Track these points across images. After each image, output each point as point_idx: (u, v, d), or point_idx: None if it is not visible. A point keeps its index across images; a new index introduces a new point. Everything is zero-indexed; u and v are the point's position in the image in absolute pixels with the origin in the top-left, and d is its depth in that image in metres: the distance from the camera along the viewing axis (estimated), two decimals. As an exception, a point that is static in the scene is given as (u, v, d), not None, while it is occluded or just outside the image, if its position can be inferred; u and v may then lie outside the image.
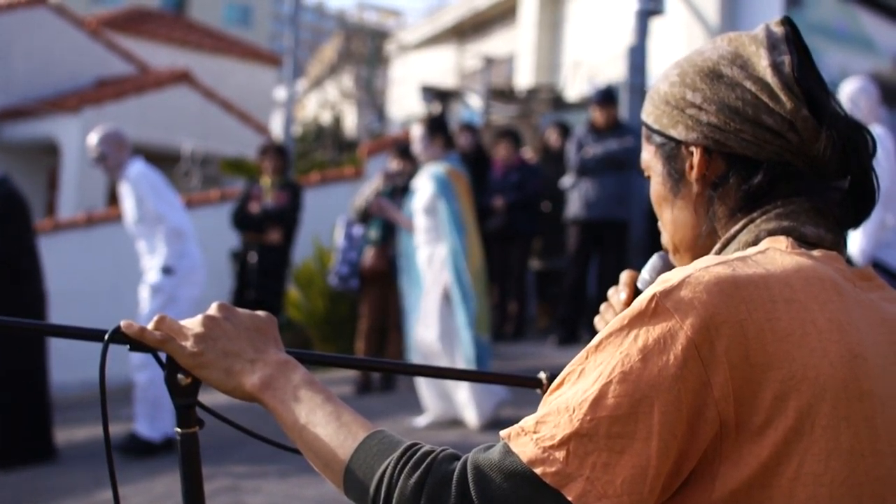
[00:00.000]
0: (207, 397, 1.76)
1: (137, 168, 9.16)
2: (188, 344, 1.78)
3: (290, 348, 1.86)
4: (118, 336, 1.80)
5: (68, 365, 13.35)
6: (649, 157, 1.88)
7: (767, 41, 1.78)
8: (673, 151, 1.82)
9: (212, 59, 28.13)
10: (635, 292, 2.17)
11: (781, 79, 1.74)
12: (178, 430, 1.82)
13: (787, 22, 1.81)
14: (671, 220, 1.85)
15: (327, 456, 1.66)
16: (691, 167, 1.80)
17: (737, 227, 1.75)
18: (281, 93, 33.90)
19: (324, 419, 1.69)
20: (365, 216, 10.84)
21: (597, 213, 11.66)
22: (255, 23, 73.15)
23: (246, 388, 1.76)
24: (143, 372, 8.87)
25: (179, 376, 1.80)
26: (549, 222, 12.79)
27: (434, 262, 8.64)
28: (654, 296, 1.54)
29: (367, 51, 36.08)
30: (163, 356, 1.82)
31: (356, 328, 11.67)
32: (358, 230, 11.10)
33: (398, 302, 10.61)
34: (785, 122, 1.73)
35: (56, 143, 21.82)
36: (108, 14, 30.72)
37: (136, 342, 1.80)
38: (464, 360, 8.36)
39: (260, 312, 1.87)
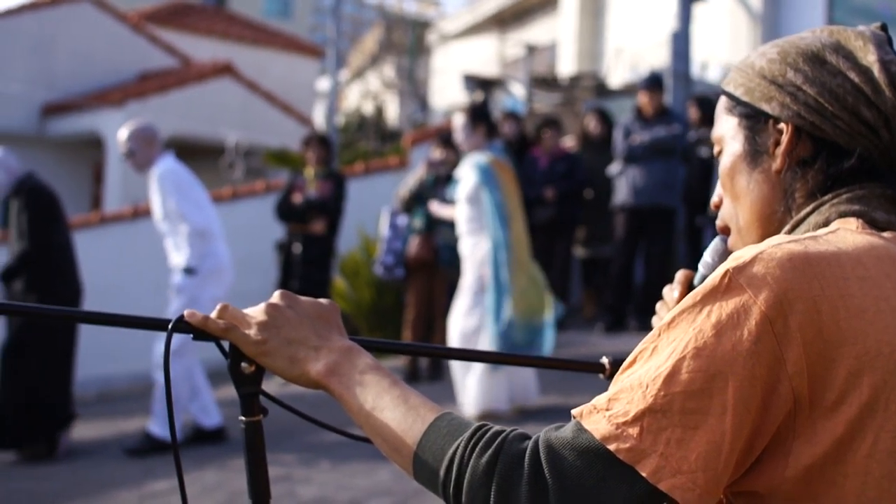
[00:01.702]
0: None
1: (164, 165, 9.08)
2: (252, 332, 1.78)
3: (352, 336, 1.86)
4: (182, 325, 1.80)
5: (116, 358, 13.45)
6: (728, 129, 1.86)
7: (874, 39, 1.79)
8: (759, 125, 1.81)
9: (253, 50, 28.16)
10: (689, 287, 2.15)
11: (888, 76, 1.74)
12: (243, 418, 1.82)
13: (885, 29, 1.83)
14: (745, 193, 1.82)
15: (396, 440, 1.65)
16: (776, 143, 1.78)
17: (808, 209, 1.74)
18: (323, 84, 33.94)
19: (391, 403, 1.68)
20: (409, 206, 10.85)
21: (644, 200, 11.63)
22: (295, 14, 73.27)
23: (311, 376, 1.76)
24: (162, 372, 8.84)
25: (243, 365, 1.79)
26: (593, 210, 12.75)
27: (476, 253, 8.62)
28: (727, 272, 1.53)
29: (408, 41, 36.06)
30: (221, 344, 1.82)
31: (402, 317, 11.67)
32: (402, 220, 11.11)
33: (444, 291, 10.62)
34: (881, 118, 1.73)
35: (100, 137, 21.92)
36: (149, 8, 30.80)
37: (200, 331, 1.80)
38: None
39: (322, 300, 1.87)
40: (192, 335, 1.82)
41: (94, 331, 11.11)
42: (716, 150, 1.91)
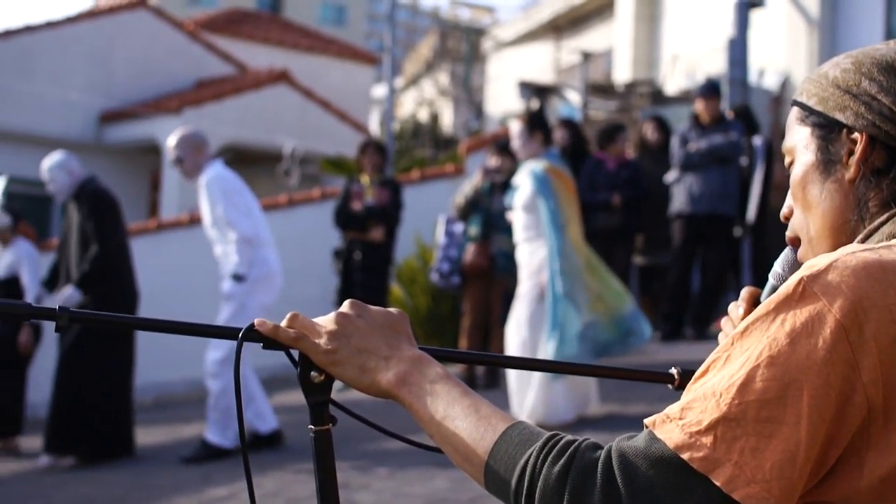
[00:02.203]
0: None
1: (213, 172, 9.09)
2: (322, 341, 1.78)
3: (424, 345, 1.86)
4: (252, 334, 1.81)
5: (174, 364, 13.54)
6: (800, 139, 1.85)
7: None
8: (832, 135, 1.80)
9: (309, 58, 28.27)
10: (755, 304, 2.13)
11: None
12: (312, 427, 1.83)
13: None
14: (817, 203, 1.81)
15: (467, 449, 1.65)
16: (850, 153, 1.77)
17: (881, 218, 1.73)
18: (378, 91, 34.01)
19: (462, 413, 1.67)
20: (465, 213, 10.84)
21: (701, 207, 11.56)
22: (350, 22, 73.55)
23: (381, 385, 1.76)
24: (216, 380, 8.87)
25: (313, 374, 1.80)
26: (651, 218, 12.68)
27: (533, 260, 8.60)
28: (801, 280, 1.53)
29: (462, 48, 36.10)
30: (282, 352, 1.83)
31: (458, 325, 11.67)
32: (458, 227, 11.11)
33: (500, 299, 10.60)
34: None
35: (157, 145, 22.05)
36: (205, 16, 31.00)
37: (270, 340, 1.81)
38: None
39: (392, 309, 1.87)
40: (261, 344, 1.82)
41: (151, 337, 11.17)
42: (787, 160, 1.89)
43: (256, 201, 9.39)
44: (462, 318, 11.19)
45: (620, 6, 22.38)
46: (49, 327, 10.67)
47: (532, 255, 8.59)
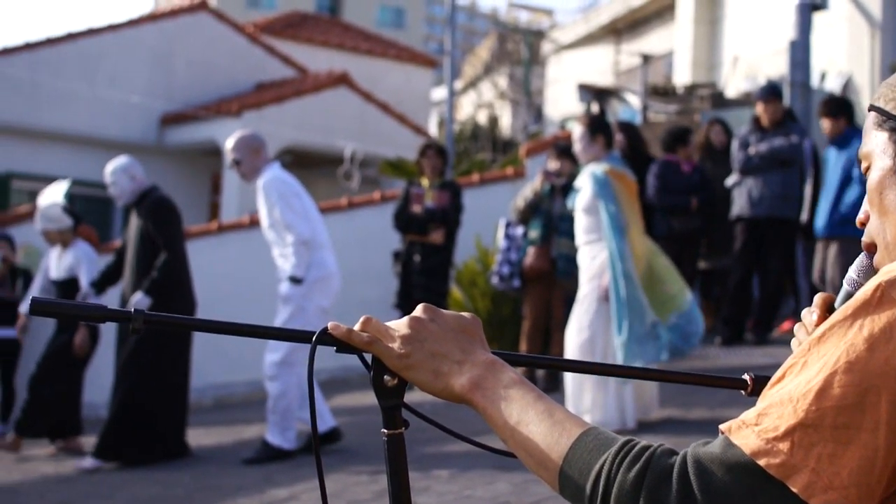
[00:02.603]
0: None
1: (270, 174, 9.12)
2: (395, 346, 1.79)
3: (497, 350, 1.86)
4: (326, 337, 1.81)
5: (233, 366, 13.61)
6: (877, 144, 1.83)
7: None
8: None
9: (368, 61, 28.35)
10: (825, 307, 2.11)
11: None
12: (385, 431, 1.83)
13: None
14: (894, 208, 1.79)
15: (541, 455, 1.65)
16: None
17: None
18: (437, 94, 34.03)
19: (536, 418, 1.67)
20: (525, 216, 10.83)
21: (762, 211, 11.50)
22: (408, 24, 73.68)
23: (455, 390, 1.76)
24: (274, 382, 8.88)
25: (386, 378, 1.80)
26: (713, 221, 12.60)
27: (594, 264, 8.58)
28: (879, 285, 1.52)
29: (521, 51, 36.07)
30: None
31: (519, 329, 11.66)
32: (518, 230, 11.10)
33: (561, 302, 10.58)
34: None
35: (218, 147, 22.19)
36: (266, 19, 31.17)
37: (343, 343, 1.81)
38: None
39: (464, 314, 1.87)
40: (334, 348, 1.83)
41: (210, 339, 11.25)
42: (863, 166, 1.88)
43: (314, 204, 9.39)
44: (522, 322, 11.18)
45: (681, 9, 22.29)
46: (106, 330, 10.77)
47: (593, 259, 8.58)
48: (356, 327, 1.82)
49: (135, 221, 9.82)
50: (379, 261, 13.62)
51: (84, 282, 10.62)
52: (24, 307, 11.42)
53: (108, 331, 10.58)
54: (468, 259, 13.61)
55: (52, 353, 10.73)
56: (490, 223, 13.32)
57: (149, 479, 8.85)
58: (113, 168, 9.89)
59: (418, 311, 1.84)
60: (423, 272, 11.63)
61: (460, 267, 13.51)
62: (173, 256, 9.55)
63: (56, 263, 11.01)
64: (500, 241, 11.33)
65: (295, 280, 8.84)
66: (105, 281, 10.18)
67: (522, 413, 1.69)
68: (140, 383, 9.50)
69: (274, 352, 8.89)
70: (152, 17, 24.58)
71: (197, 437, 10.62)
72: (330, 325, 1.83)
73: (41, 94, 21.70)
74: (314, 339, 1.81)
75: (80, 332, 10.56)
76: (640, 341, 8.26)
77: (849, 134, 10.64)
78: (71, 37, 22.83)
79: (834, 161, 10.65)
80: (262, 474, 8.37)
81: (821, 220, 10.57)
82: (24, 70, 21.34)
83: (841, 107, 10.94)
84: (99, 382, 11.54)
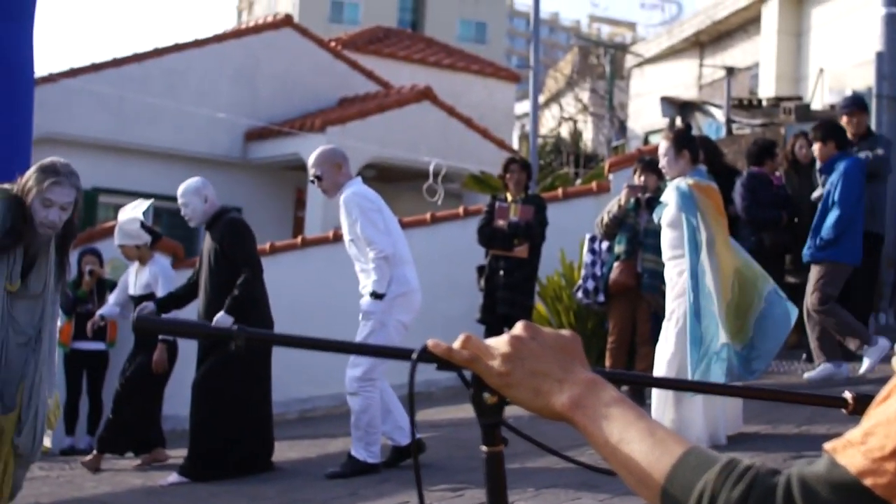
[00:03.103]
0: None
1: (351, 190, 9.09)
2: (495, 363, 1.78)
3: (597, 367, 1.85)
4: (426, 355, 1.82)
5: (318, 381, 13.68)
6: None
7: None
8: None
9: (451, 75, 28.40)
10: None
11: None
12: (485, 448, 1.83)
13: None
14: None
15: (642, 473, 1.64)
16: None
17: None
18: (520, 108, 34.02)
19: (637, 436, 1.66)
20: (611, 231, 10.79)
21: (847, 226, 11.35)
22: (489, 39, 73.75)
23: (555, 408, 1.75)
24: (355, 398, 8.87)
25: (485, 395, 1.80)
26: (800, 236, 12.45)
27: (680, 279, 8.52)
28: None
29: (603, 64, 36.00)
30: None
31: (604, 344, 11.60)
32: (604, 245, 11.06)
33: (647, 317, 10.52)
34: None
35: (302, 162, 22.32)
36: (348, 34, 31.33)
37: (444, 361, 1.81)
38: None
39: (564, 331, 1.86)
40: (435, 364, 1.83)
41: (294, 354, 11.29)
42: None
43: (395, 219, 9.40)
44: (608, 337, 11.12)
45: (765, 21, 22.17)
46: (185, 347, 10.86)
47: (680, 275, 8.51)
48: (456, 345, 1.82)
49: (208, 242, 9.87)
50: (462, 275, 13.61)
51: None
52: (102, 310, 11.56)
53: (188, 347, 10.65)
54: (552, 274, 13.58)
55: (132, 373, 10.86)
56: (574, 238, 13.28)
57: (235, 492, 8.91)
58: (184, 189, 9.91)
59: (518, 328, 1.84)
60: (508, 287, 11.61)
61: (544, 282, 13.49)
62: (252, 275, 9.60)
63: (134, 279, 11.13)
64: (585, 256, 11.29)
65: (376, 296, 8.82)
66: (172, 301, 10.19)
67: (623, 432, 1.68)
68: (217, 401, 9.57)
69: (355, 367, 8.88)
70: (237, 33, 24.80)
71: (282, 450, 10.68)
72: (430, 342, 1.83)
73: (128, 109, 21.96)
74: (414, 356, 1.81)
75: (159, 350, 10.68)
76: (710, 360, 8.19)
77: (835, 158, 10.66)
78: (157, 52, 23.08)
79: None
80: (348, 489, 8.39)
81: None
82: (111, 86, 21.60)
83: (830, 131, 10.91)
84: (184, 394, 11.66)
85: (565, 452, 1.92)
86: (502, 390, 1.78)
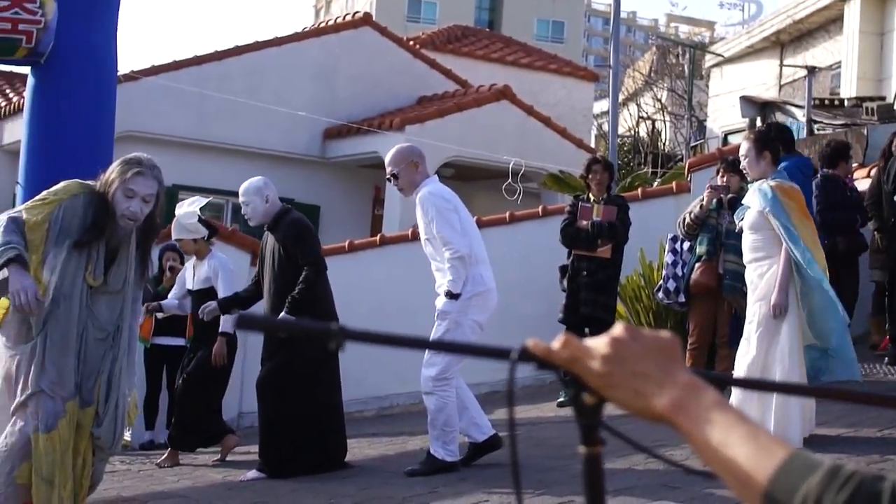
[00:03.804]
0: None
1: (428, 189, 9.02)
2: (595, 364, 1.78)
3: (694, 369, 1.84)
4: (525, 355, 1.82)
5: (396, 378, 13.71)
6: None
7: None
8: None
9: (529, 74, 28.36)
10: None
11: None
12: (583, 448, 1.83)
13: None
14: None
15: (745, 476, 1.63)
16: None
17: None
18: (597, 107, 33.89)
19: (739, 440, 1.66)
20: (693, 231, 10.73)
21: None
22: (566, 38, 73.60)
23: (655, 410, 1.75)
24: (432, 397, 8.84)
25: (585, 396, 1.80)
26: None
27: (762, 282, 8.45)
28: None
29: (682, 64, 35.79)
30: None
31: (684, 345, 11.55)
32: (685, 245, 11.00)
33: (728, 319, 10.45)
34: None
35: (381, 160, 22.38)
36: (426, 33, 31.36)
37: (543, 361, 1.81)
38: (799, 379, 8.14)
39: (663, 333, 1.86)
40: (535, 364, 1.83)
41: (371, 351, 11.33)
42: None
43: (472, 218, 9.36)
44: (688, 338, 11.06)
45: (847, 21, 21.95)
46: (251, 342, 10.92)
47: (761, 277, 8.44)
48: (555, 345, 1.82)
49: (270, 243, 9.84)
50: (541, 275, 13.59)
51: (221, 292, 10.75)
52: (163, 302, 11.63)
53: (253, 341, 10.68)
54: (631, 274, 13.53)
55: (193, 368, 10.95)
56: (654, 238, 13.22)
57: (314, 489, 8.94)
58: (246, 188, 9.86)
59: (618, 330, 1.84)
60: (591, 287, 11.59)
61: (623, 282, 13.43)
62: (314, 275, 9.62)
63: (192, 273, 11.20)
64: (667, 256, 11.24)
65: (451, 295, 8.80)
66: (236, 302, 10.18)
67: (725, 435, 1.67)
68: (281, 400, 9.57)
69: (431, 367, 8.85)
70: (316, 32, 24.93)
71: (361, 448, 10.72)
72: (530, 342, 1.83)
73: (208, 107, 22.12)
74: (514, 356, 1.81)
75: (219, 343, 10.74)
76: (817, 353, 8.18)
77: None
78: (237, 50, 23.24)
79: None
80: (427, 486, 8.40)
81: None
82: (192, 84, 21.78)
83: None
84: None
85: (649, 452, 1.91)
86: (603, 391, 1.78)
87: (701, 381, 1.77)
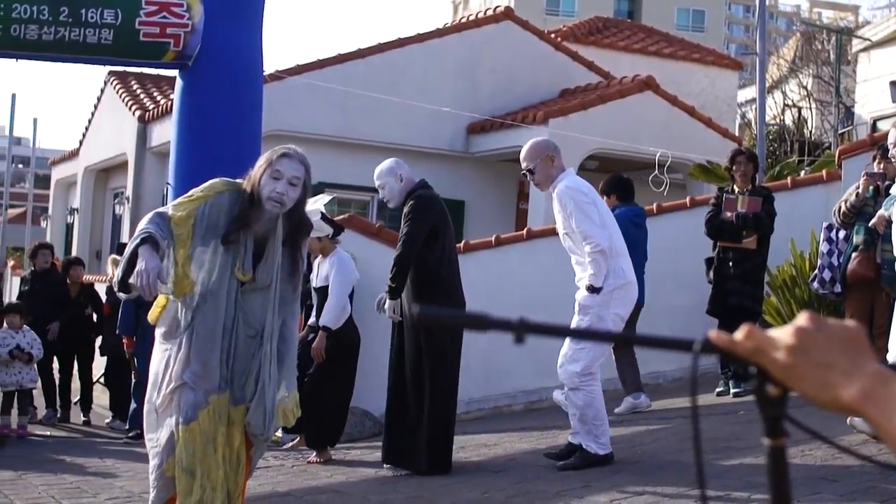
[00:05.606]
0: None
1: (565, 183, 8.93)
2: (780, 355, 1.75)
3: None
4: (708, 347, 1.80)
5: (545, 372, 13.67)
6: None
7: None
8: None
9: (671, 64, 28.12)
10: None
11: None
12: (767, 441, 1.81)
13: None
14: None
15: None
16: None
17: None
18: (742, 96, 33.45)
19: None
20: (849, 220, 10.54)
21: None
22: (707, 27, 72.87)
23: (844, 401, 1.72)
24: (578, 393, 8.79)
25: (769, 388, 1.78)
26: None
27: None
28: None
29: (828, 49, 35.21)
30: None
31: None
32: (841, 234, 10.83)
33: (885, 310, 10.26)
34: None
35: (524, 154, 22.44)
36: (566, 25, 31.27)
37: (727, 353, 1.80)
38: None
39: (849, 322, 1.83)
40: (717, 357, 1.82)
41: (518, 346, 11.31)
42: None
43: (610, 211, 9.29)
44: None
45: None
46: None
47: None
48: (738, 336, 1.80)
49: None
50: (688, 267, 13.48)
51: (332, 289, 10.80)
52: None
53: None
54: (782, 264, 13.35)
55: (317, 367, 10.99)
56: (804, 227, 13.04)
57: (468, 483, 8.97)
58: (379, 171, 9.86)
59: (802, 319, 1.81)
60: (737, 278, 11.52)
61: (774, 272, 13.26)
62: (408, 250, 9.42)
63: (316, 271, 11.27)
64: (822, 246, 11.07)
65: (592, 289, 8.75)
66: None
67: None
68: (414, 391, 9.58)
69: (575, 363, 8.79)
70: (457, 27, 24.99)
71: (512, 442, 10.75)
72: (712, 334, 1.81)
73: (352, 104, 22.30)
74: (697, 348, 1.80)
75: (319, 337, 10.78)
76: None
77: None
78: (379, 48, 23.39)
79: None
80: (581, 480, 8.38)
81: None
82: (336, 82, 21.96)
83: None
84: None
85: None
86: (788, 382, 1.76)
87: (890, 371, 1.74)
